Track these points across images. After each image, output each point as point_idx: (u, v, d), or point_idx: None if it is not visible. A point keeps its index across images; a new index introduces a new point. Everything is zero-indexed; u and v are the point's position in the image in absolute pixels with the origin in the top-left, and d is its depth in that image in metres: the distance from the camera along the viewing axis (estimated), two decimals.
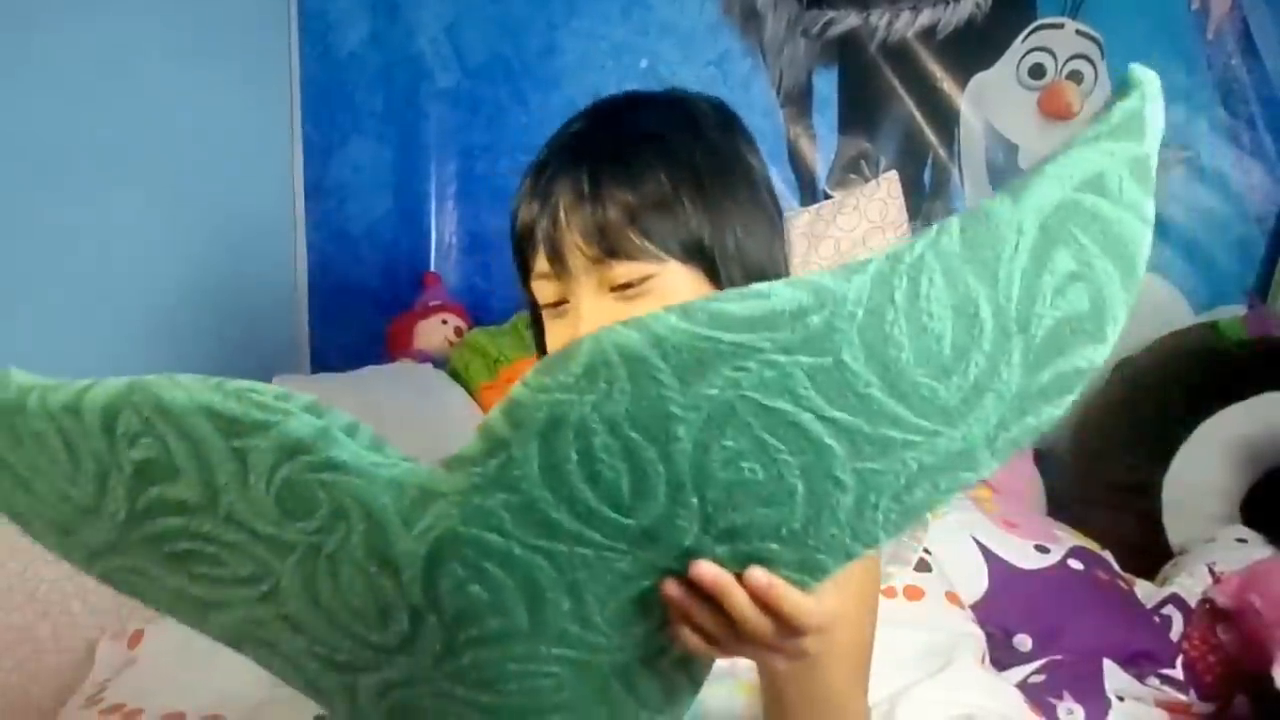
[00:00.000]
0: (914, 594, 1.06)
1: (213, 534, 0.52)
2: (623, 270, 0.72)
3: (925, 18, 1.92)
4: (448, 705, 0.55)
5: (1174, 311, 1.82)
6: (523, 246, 0.77)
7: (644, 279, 0.73)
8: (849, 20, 1.96)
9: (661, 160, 0.74)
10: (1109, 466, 1.66)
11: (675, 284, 0.73)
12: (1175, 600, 1.28)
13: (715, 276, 0.74)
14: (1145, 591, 1.33)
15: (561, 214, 0.73)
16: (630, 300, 0.73)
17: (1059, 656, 1.08)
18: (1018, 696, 0.96)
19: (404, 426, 1.59)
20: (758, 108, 2.01)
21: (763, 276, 0.75)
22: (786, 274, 0.79)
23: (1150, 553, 1.54)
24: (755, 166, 0.80)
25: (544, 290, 0.76)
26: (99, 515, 0.54)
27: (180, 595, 0.56)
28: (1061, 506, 1.64)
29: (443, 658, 0.53)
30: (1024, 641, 1.11)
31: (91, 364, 1.55)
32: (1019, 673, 1.06)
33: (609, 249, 0.72)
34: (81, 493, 0.53)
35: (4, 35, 1.44)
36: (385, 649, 0.54)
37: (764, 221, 0.78)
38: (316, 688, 0.58)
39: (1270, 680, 1.06)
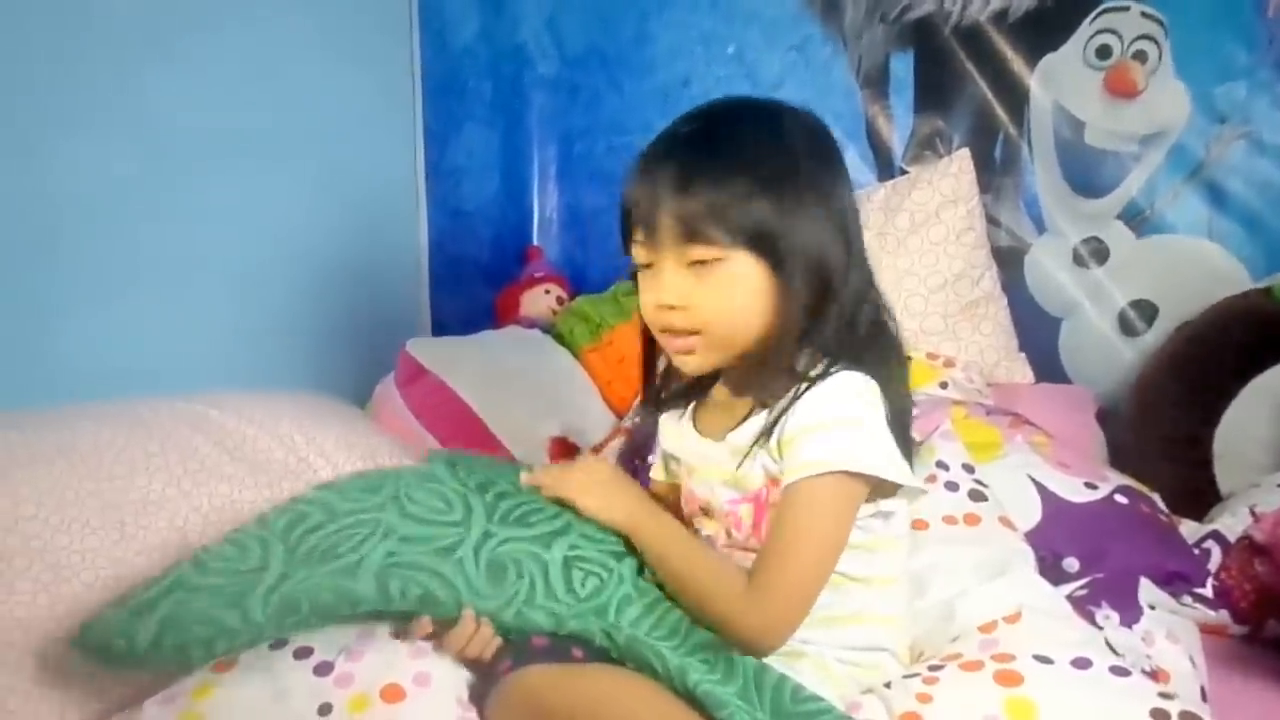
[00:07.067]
0: (972, 520, 1.19)
1: None
2: (699, 251, 0.92)
3: (997, 2, 2.00)
4: None
5: (1234, 279, 1.89)
6: (627, 218, 0.97)
7: (716, 260, 0.91)
8: (925, 6, 2.05)
9: (744, 166, 0.92)
10: (1165, 420, 1.76)
11: (741, 269, 0.92)
12: (1215, 536, 1.39)
13: (778, 267, 0.92)
14: (1190, 530, 1.43)
15: (658, 198, 0.92)
16: (702, 276, 0.92)
17: (1101, 575, 1.22)
18: (1063, 599, 1.10)
19: (523, 382, 1.79)
20: (838, 90, 2.12)
21: (820, 270, 0.93)
22: (845, 270, 0.94)
23: (1203, 500, 1.64)
24: (825, 177, 0.95)
25: (639, 254, 0.97)
26: None
27: None
28: (1124, 458, 1.72)
29: None
30: (1071, 564, 1.23)
31: (246, 323, 1.78)
32: (1065, 589, 1.18)
33: (691, 233, 0.91)
34: None
35: (175, 39, 1.65)
36: None
37: (826, 225, 0.93)
38: None
39: None
